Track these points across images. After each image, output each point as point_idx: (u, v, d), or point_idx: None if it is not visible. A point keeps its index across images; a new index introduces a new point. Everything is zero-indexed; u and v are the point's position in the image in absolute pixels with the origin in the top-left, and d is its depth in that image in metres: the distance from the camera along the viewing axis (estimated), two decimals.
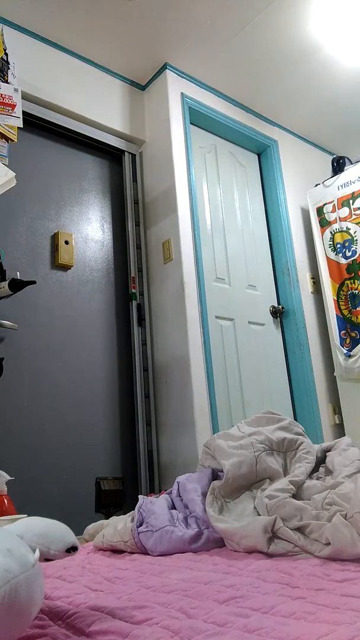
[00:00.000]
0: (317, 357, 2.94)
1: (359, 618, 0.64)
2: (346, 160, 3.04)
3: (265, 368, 2.79)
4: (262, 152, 3.32)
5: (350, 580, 0.85)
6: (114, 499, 2.25)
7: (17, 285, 2.05)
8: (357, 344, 2.73)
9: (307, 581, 0.86)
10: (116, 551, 1.35)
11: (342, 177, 2.97)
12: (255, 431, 1.50)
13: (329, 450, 1.50)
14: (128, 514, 1.48)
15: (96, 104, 2.70)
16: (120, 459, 2.36)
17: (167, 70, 2.80)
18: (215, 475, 1.49)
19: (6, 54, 2.16)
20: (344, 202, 2.93)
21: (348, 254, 2.86)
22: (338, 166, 3.04)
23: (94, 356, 2.41)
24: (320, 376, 2.91)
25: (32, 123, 2.50)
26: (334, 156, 3.11)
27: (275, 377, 2.84)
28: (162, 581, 0.94)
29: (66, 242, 2.45)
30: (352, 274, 2.82)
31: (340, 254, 2.90)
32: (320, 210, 3.06)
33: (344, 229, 2.90)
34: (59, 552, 0.72)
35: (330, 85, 3.05)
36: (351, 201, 2.89)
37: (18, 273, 2.22)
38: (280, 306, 2.99)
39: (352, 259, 2.83)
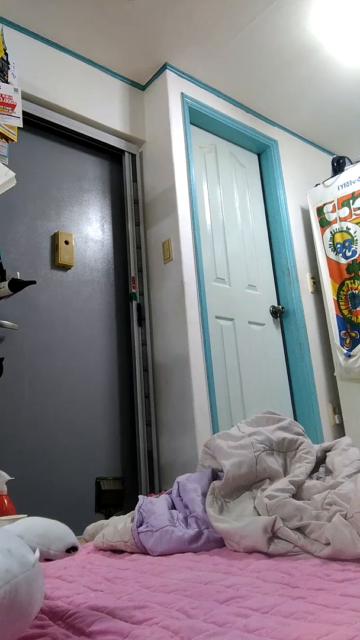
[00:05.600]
0: (317, 357, 2.94)
1: (359, 618, 0.64)
2: (346, 160, 3.04)
3: (265, 368, 2.79)
4: (262, 152, 3.32)
5: (350, 580, 0.85)
6: (114, 499, 2.25)
7: (17, 285, 2.05)
8: (357, 344, 2.73)
9: (307, 581, 0.86)
10: (116, 551, 1.35)
11: (342, 177, 2.97)
12: (255, 431, 1.50)
13: (329, 450, 1.50)
14: (128, 514, 1.48)
15: (96, 104, 2.70)
16: (120, 459, 2.36)
17: (167, 70, 2.80)
18: (215, 475, 1.49)
19: (6, 54, 2.16)
20: (344, 202, 2.93)
21: (348, 254, 2.86)
22: (338, 166, 3.04)
23: (94, 356, 2.41)
24: (320, 376, 2.91)
25: (32, 123, 2.50)
26: (334, 156, 3.11)
27: (275, 377, 2.84)
28: (162, 581, 0.94)
29: (66, 242, 2.45)
30: (352, 274, 2.82)
31: (340, 254, 2.90)
32: (320, 210, 3.06)
33: (344, 229, 2.90)
34: (59, 552, 0.72)
35: (330, 85, 3.05)
36: (351, 201, 2.89)
37: (18, 273, 2.22)
38: (280, 306, 2.99)
39: (352, 259, 2.83)
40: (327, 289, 2.94)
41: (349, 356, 2.75)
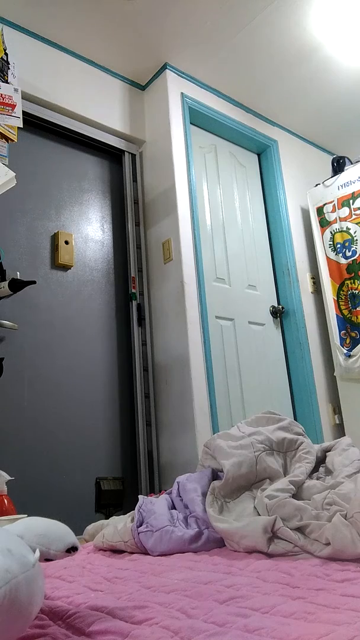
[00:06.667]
0: (317, 357, 2.94)
1: (359, 618, 0.64)
2: (346, 160, 3.04)
3: (265, 368, 2.79)
4: (262, 152, 3.32)
5: (350, 580, 0.85)
6: (114, 499, 2.25)
7: (17, 285, 2.05)
8: (357, 344, 2.73)
9: (307, 581, 0.86)
10: (116, 551, 1.35)
11: (342, 177, 2.97)
12: (255, 431, 1.50)
13: (329, 450, 1.50)
14: (128, 514, 1.48)
15: (96, 104, 2.70)
16: (120, 459, 2.36)
17: (167, 70, 2.80)
18: (215, 475, 1.49)
19: (6, 54, 2.16)
20: (344, 202, 2.93)
21: (348, 254, 2.86)
22: (338, 166, 3.04)
23: (94, 356, 2.41)
24: (320, 376, 2.91)
25: (32, 123, 2.50)
26: (334, 156, 3.11)
27: (275, 377, 2.84)
28: (162, 581, 0.94)
29: (66, 242, 2.45)
30: (352, 274, 2.82)
31: (340, 254, 2.90)
32: (320, 210, 3.06)
33: (344, 229, 2.90)
34: (59, 552, 0.72)
35: (330, 85, 3.05)
36: (351, 201, 2.89)
37: (18, 273, 2.22)
38: (280, 306, 2.99)
39: (352, 259, 2.83)
40: (327, 289, 2.94)
41: (349, 356, 2.75)
